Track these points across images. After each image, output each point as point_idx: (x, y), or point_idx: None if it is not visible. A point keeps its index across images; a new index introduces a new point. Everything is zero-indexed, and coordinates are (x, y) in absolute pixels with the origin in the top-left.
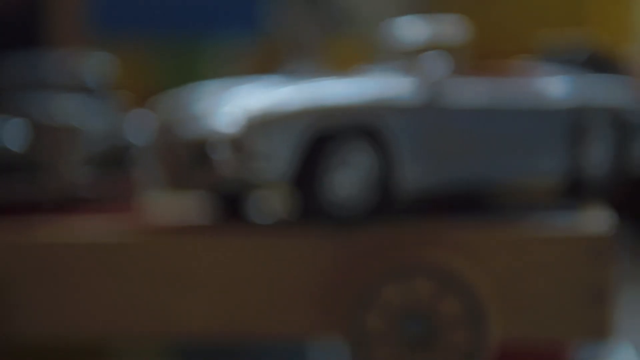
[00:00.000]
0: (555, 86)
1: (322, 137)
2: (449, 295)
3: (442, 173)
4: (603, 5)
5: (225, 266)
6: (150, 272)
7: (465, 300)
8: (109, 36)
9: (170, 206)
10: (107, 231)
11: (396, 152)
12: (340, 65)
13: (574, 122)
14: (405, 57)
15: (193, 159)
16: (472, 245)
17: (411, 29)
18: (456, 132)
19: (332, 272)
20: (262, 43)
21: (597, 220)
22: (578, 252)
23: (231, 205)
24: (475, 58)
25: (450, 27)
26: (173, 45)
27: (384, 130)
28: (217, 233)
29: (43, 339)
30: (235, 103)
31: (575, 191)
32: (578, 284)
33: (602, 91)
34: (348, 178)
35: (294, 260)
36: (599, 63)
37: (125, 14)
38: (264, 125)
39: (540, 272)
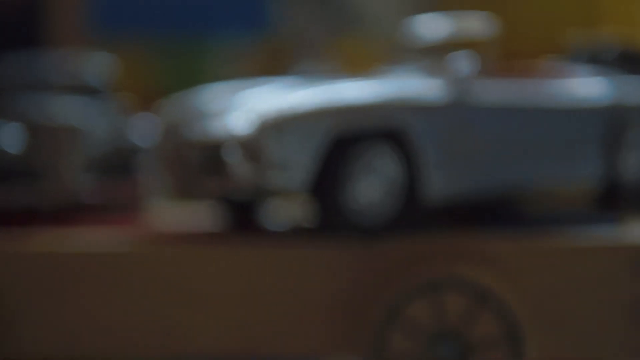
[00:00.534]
0: (588, 86)
1: (343, 141)
2: (482, 313)
3: (470, 178)
4: (627, 4)
5: (236, 278)
6: (156, 285)
7: (500, 318)
8: (109, 36)
9: (178, 213)
10: (110, 240)
11: (421, 155)
12: (348, 65)
13: (609, 123)
14: (429, 56)
15: (204, 164)
16: (506, 257)
17: (435, 26)
18: (484, 134)
19: (353, 287)
20: (267, 43)
21: (639, 229)
22: (620, 264)
23: (243, 212)
24: (501, 58)
25: (476, 24)
26: (175, 45)
27: (409, 133)
28: (227, 243)
29: (42, 355)
30: (249, 105)
31: (611, 197)
32: (620, 300)
33: (636, 91)
34: (370, 184)
35: (311, 272)
36: (629, 62)
37: (126, 13)
38: (280, 128)
39: (579, 286)
